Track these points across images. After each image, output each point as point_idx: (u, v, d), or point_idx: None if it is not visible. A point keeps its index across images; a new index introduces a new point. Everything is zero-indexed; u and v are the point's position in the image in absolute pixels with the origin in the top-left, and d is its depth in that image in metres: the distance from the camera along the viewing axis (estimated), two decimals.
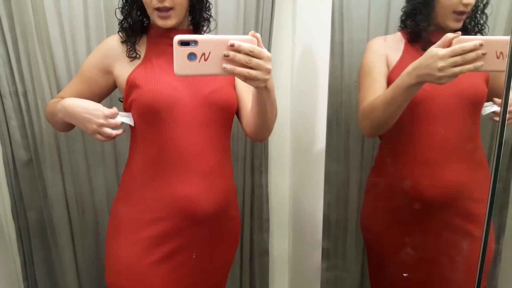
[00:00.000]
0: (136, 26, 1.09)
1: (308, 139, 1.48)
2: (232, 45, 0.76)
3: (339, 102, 1.54)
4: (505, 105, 0.71)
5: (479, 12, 1.16)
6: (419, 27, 1.18)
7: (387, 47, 1.23)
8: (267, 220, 1.67)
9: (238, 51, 0.77)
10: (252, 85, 0.83)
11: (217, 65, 0.77)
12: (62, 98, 1.10)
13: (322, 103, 1.41)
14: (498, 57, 0.87)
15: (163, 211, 1.04)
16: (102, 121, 0.99)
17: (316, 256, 1.52)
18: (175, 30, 1.08)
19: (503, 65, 0.84)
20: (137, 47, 1.09)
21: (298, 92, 1.52)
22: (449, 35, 0.90)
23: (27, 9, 1.31)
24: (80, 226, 1.52)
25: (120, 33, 1.11)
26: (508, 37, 0.80)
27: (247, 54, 0.77)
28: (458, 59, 0.88)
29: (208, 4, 1.14)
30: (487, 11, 1.17)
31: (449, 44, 0.90)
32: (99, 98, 1.14)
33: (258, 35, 0.79)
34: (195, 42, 0.75)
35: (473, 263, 1.05)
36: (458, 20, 1.11)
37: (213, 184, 1.07)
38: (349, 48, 1.50)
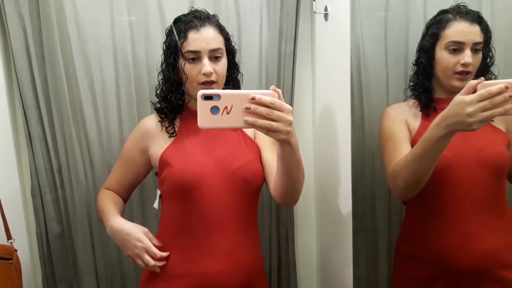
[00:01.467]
0: (175, 105, 1.15)
1: (333, 204, 1.47)
2: (253, 98, 0.79)
3: (363, 164, 1.54)
4: None
5: (484, 71, 1.16)
6: (425, 95, 1.21)
7: (406, 113, 1.24)
8: (294, 265, 1.65)
9: (260, 104, 0.79)
10: (274, 138, 0.84)
11: (239, 118, 0.79)
12: (110, 187, 1.24)
13: (345, 167, 1.41)
14: None
15: (187, 286, 1.07)
16: (142, 252, 1.07)
17: None
18: None
19: None
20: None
21: (320, 155, 1.53)
22: (472, 82, 0.89)
23: (63, 91, 1.40)
24: None
25: (157, 111, 1.18)
26: None
27: (268, 107, 0.80)
28: (486, 103, 0.85)
29: (239, 82, 1.22)
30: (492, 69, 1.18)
31: (473, 91, 0.89)
32: (142, 177, 1.25)
33: (279, 90, 0.82)
34: (218, 96, 0.78)
35: None
36: (462, 80, 1.12)
37: (238, 260, 1.08)
38: (369, 113, 1.53)
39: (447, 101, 0.98)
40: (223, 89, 1.14)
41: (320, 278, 1.64)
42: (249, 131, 1.19)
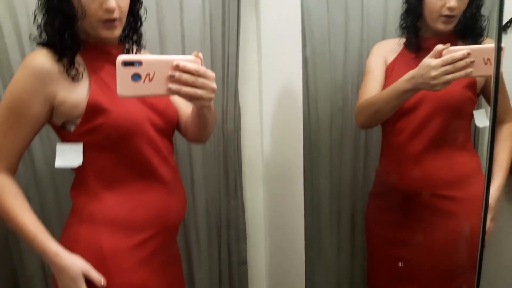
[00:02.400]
0: (75, 40, 0.95)
1: (283, 154, 1.53)
2: (177, 66, 0.78)
3: (310, 111, 1.62)
4: (494, 107, 0.81)
5: (472, 14, 1.25)
6: (411, 34, 1.30)
7: (387, 49, 1.36)
8: (244, 230, 1.70)
9: (184, 71, 0.79)
10: (196, 104, 0.87)
11: (162, 85, 0.79)
12: (2, 160, 0.96)
13: (297, 114, 1.46)
14: (486, 63, 0.98)
15: (150, 228, 1.04)
16: None
17: (297, 259, 1.58)
18: (109, 45, 1.02)
19: (490, 70, 0.97)
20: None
21: (270, 104, 1.55)
22: (439, 47, 1.00)
23: None
24: None
25: (49, 49, 0.95)
26: (492, 45, 0.88)
27: (193, 75, 0.80)
28: (449, 67, 0.98)
29: (141, 19, 1.10)
30: (483, 12, 1.26)
31: (440, 54, 1.00)
32: (36, 134, 1.00)
33: (201, 55, 0.82)
34: (140, 63, 0.76)
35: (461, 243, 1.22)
36: (447, 23, 1.21)
37: (181, 192, 1.14)
38: (312, 60, 1.59)
39: (432, 40, 1.14)
40: (125, 26, 1.03)
41: (268, 219, 1.72)
42: None
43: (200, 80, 0.81)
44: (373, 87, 1.30)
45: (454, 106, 1.23)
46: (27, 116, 0.94)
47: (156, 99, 1.05)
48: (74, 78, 0.95)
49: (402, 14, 1.33)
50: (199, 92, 0.81)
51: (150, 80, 0.77)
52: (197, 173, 1.56)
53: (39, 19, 0.96)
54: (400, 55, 1.32)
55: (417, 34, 1.29)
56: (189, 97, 0.82)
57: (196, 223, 1.60)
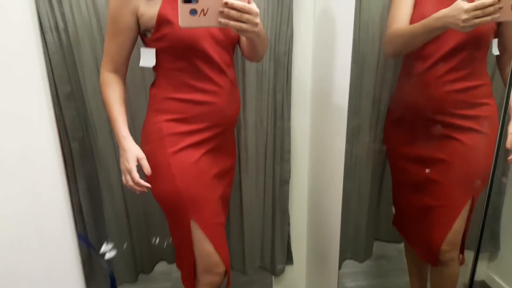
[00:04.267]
0: None
1: (331, 81, 1.57)
2: (226, 3, 0.93)
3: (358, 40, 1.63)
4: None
5: None
6: None
7: None
8: (289, 151, 1.80)
9: (231, 8, 0.94)
10: (242, 35, 1.07)
11: (214, 19, 0.95)
12: (110, 67, 1.23)
13: (347, 40, 1.48)
14: None
15: (204, 122, 1.26)
16: (125, 172, 1.21)
17: (335, 185, 1.65)
18: None
19: None
20: None
21: (320, 31, 1.58)
22: None
23: None
24: None
25: None
26: None
27: (239, 11, 0.95)
28: (479, 12, 1.07)
29: None
30: None
31: None
32: (135, 41, 1.24)
33: None
34: (196, 1, 0.92)
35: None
36: None
37: (235, 96, 1.32)
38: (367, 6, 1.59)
39: None
40: None
41: (312, 145, 1.80)
42: None
43: (245, 16, 0.96)
44: (402, 16, 1.37)
45: (483, 37, 1.29)
46: (122, 25, 1.19)
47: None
48: None
49: None
50: (243, 26, 0.97)
51: (204, 14, 0.93)
52: (249, 92, 1.67)
53: None
54: None
55: None
56: (236, 29, 0.98)
57: (245, 139, 1.73)
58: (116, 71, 1.25)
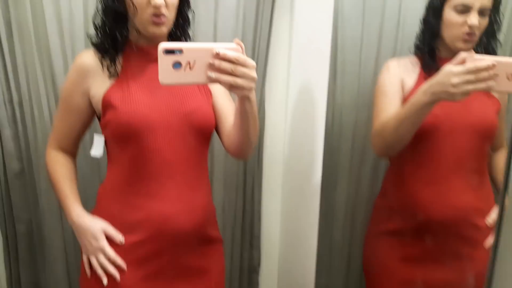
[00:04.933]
0: (119, 40, 1.01)
1: (303, 164, 1.49)
2: (217, 54, 0.77)
3: (334, 120, 1.57)
4: None
5: (490, 36, 1.19)
6: (428, 55, 1.22)
7: (403, 70, 1.25)
8: (258, 237, 1.67)
9: (224, 59, 0.77)
10: (237, 94, 0.84)
11: (202, 73, 0.77)
12: (57, 143, 1.09)
13: (320, 120, 1.42)
14: (509, 79, 0.90)
15: (141, 233, 1.01)
16: (96, 252, 1.00)
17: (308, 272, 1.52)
18: (154, 46, 0.98)
19: None
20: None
21: (294, 110, 1.53)
22: (463, 54, 0.93)
23: (26, 18, 1.30)
24: (73, 237, 1.47)
25: (95, 48, 1.03)
26: None
27: (233, 63, 0.78)
28: (471, 77, 0.90)
29: (189, 20, 1.11)
30: (499, 37, 1.20)
31: (463, 62, 0.93)
32: (88, 123, 1.10)
33: (242, 43, 0.79)
34: (180, 51, 0.75)
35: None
36: (466, 42, 1.14)
37: (191, 204, 1.04)
38: (341, 69, 1.54)
39: (448, 59, 1.01)
40: (173, 27, 1.05)
41: (283, 230, 1.67)
42: None
43: (240, 69, 0.78)
44: (389, 110, 1.18)
45: (489, 131, 1.17)
46: (72, 105, 1.05)
47: (186, 100, 1.03)
48: (111, 76, 1.02)
49: (418, 34, 1.27)
50: (238, 80, 0.79)
51: (190, 68, 0.76)
52: (217, 171, 1.55)
53: (96, 18, 1.02)
54: (420, 77, 1.23)
55: (434, 55, 1.22)
56: (229, 86, 0.80)
57: None
58: (64, 150, 1.11)
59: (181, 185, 1.03)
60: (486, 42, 1.20)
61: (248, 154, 1.07)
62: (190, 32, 1.13)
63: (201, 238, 1.07)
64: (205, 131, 1.06)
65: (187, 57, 0.76)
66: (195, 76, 0.77)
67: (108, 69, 1.01)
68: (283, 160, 1.62)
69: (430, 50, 1.22)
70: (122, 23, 1.00)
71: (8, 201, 1.42)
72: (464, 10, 1.13)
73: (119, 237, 1.00)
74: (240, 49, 0.79)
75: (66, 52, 1.36)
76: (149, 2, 0.94)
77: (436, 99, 0.98)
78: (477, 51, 1.20)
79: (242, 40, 1.45)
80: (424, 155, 1.19)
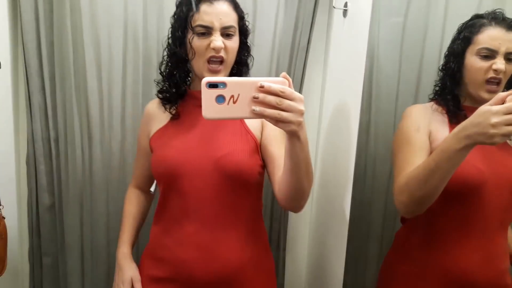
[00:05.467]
0: (179, 85, 1.08)
1: (332, 206, 1.44)
2: (261, 87, 0.73)
3: (364, 168, 1.51)
4: None
5: None
6: (453, 102, 1.13)
7: (430, 118, 1.14)
8: (282, 285, 1.62)
9: (269, 92, 0.73)
10: (284, 129, 0.77)
11: (246, 107, 0.74)
12: (136, 180, 1.25)
13: (348, 169, 1.38)
14: None
15: (163, 270, 1.07)
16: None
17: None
18: None
19: None
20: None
21: (324, 154, 1.50)
22: (502, 93, 0.85)
23: (68, 60, 1.36)
24: (92, 278, 1.49)
25: (158, 92, 1.12)
26: None
27: (278, 96, 0.74)
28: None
29: (248, 65, 1.13)
30: None
31: (501, 102, 0.84)
32: None
33: (289, 77, 0.75)
34: (224, 84, 0.73)
35: None
36: (491, 91, 1.06)
37: (214, 255, 1.02)
38: (375, 117, 1.49)
39: (475, 110, 0.90)
40: (231, 71, 1.08)
41: (307, 279, 1.61)
42: (255, 122, 1.09)
43: (286, 102, 0.73)
44: (415, 163, 1.05)
45: None
46: (141, 147, 1.19)
47: (220, 145, 1.03)
48: (173, 117, 1.10)
49: (437, 81, 1.19)
50: (284, 114, 0.73)
51: (234, 102, 0.74)
52: None
53: (162, 66, 1.11)
54: (451, 127, 1.12)
55: (458, 103, 1.13)
56: (275, 120, 0.74)
57: None
58: (140, 188, 1.26)
59: (206, 233, 1.01)
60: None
61: (300, 205, 0.97)
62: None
63: None
64: (237, 177, 1.01)
65: (231, 91, 0.73)
66: (239, 110, 0.74)
67: (169, 112, 1.10)
68: (311, 207, 1.58)
69: (454, 98, 1.13)
70: (182, 67, 1.07)
71: (38, 233, 1.46)
72: (489, 55, 1.06)
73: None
74: (287, 82, 0.75)
75: (103, 94, 1.41)
76: (208, 45, 0.99)
77: (471, 144, 0.87)
78: None
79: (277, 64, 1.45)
80: (467, 215, 1.07)
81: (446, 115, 1.14)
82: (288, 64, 1.47)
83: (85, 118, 1.41)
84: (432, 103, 1.19)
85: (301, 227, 1.66)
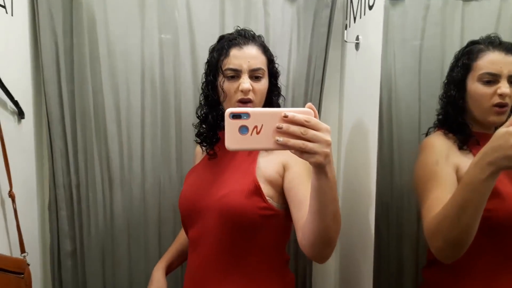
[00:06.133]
0: (213, 126, 1.12)
1: (356, 219, 1.40)
2: (285, 116, 0.71)
3: (390, 205, 1.46)
4: None
5: None
6: (462, 130, 1.08)
7: (451, 147, 1.08)
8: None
9: (293, 122, 0.71)
10: (309, 161, 0.72)
11: (270, 138, 0.72)
12: None
13: (370, 209, 1.34)
14: None
15: None
16: None
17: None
18: None
19: None
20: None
21: (343, 192, 1.47)
22: None
23: (89, 107, 1.40)
24: None
25: (196, 139, 1.17)
26: None
27: (303, 126, 0.71)
28: None
29: (278, 106, 1.14)
30: None
31: None
32: None
33: (314, 108, 0.72)
34: (247, 115, 0.72)
35: None
36: (500, 113, 1.03)
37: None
38: (399, 149, 1.45)
39: (485, 135, 0.88)
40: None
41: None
42: (274, 164, 1.04)
43: (312, 132, 0.70)
44: (445, 199, 0.94)
45: None
46: None
47: (223, 184, 1.03)
48: (210, 157, 1.14)
49: (438, 110, 1.16)
50: (309, 145, 0.70)
51: (258, 132, 0.73)
52: None
53: (199, 111, 1.15)
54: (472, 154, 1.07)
55: (469, 130, 1.08)
56: (299, 151, 0.71)
57: None
58: None
59: (205, 268, 1.03)
60: None
61: (325, 254, 0.89)
62: None
63: None
64: (233, 218, 0.99)
65: (255, 122, 0.72)
66: (263, 141, 0.73)
67: (206, 151, 1.15)
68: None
69: (462, 125, 1.09)
70: (216, 110, 1.10)
71: (59, 279, 1.45)
72: (492, 80, 1.03)
73: None
74: (312, 112, 0.72)
75: (122, 138, 1.43)
76: (237, 88, 1.02)
77: (495, 170, 0.81)
78: None
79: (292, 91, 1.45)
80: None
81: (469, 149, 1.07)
82: (303, 100, 1.47)
83: (105, 163, 1.42)
84: (439, 132, 1.14)
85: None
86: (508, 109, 1.04)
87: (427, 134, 1.20)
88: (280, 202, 1.03)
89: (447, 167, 1.05)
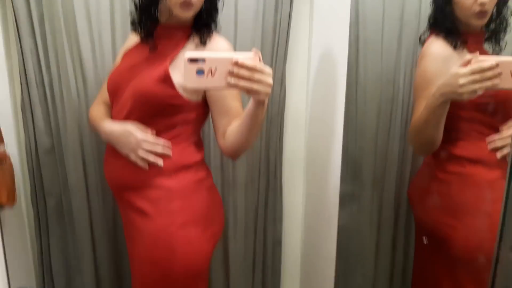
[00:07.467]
0: (151, 18, 1.12)
1: (324, 141, 1.51)
2: (236, 62, 0.86)
3: (355, 102, 1.57)
4: None
5: (505, 9, 1.22)
6: (451, 31, 1.21)
7: (448, 52, 1.20)
8: (281, 210, 1.72)
9: (242, 67, 0.86)
10: (254, 98, 0.92)
11: (222, 79, 0.87)
12: (100, 97, 1.28)
13: (340, 103, 1.43)
14: None
15: None
16: (137, 146, 1.08)
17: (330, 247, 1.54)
18: (179, 26, 1.12)
19: None
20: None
21: (314, 92, 1.54)
22: (468, 56, 1.01)
23: (56, 3, 1.38)
24: (99, 215, 1.56)
25: (131, 24, 1.18)
26: None
27: (250, 70, 0.86)
28: (477, 77, 0.98)
29: (217, 6, 1.15)
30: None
31: (468, 64, 1.00)
32: None
33: (259, 52, 0.88)
34: (203, 60, 0.86)
35: None
36: (481, 17, 1.17)
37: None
38: (363, 47, 1.53)
39: (472, 35, 1.15)
40: (200, 10, 1.10)
41: (305, 206, 1.70)
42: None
43: (257, 75, 0.87)
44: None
45: None
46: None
47: (140, 69, 1.10)
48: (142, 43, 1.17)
49: (430, 15, 1.29)
50: (255, 86, 0.87)
51: (212, 75, 0.86)
52: None
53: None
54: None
55: (458, 31, 1.22)
56: (246, 91, 0.88)
57: (235, 198, 1.64)
58: (105, 103, 1.26)
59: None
60: (496, 14, 1.23)
61: (240, 156, 1.14)
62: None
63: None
64: (144, 102, 1.08)
65: (209, 65, 0.86)
66: (216, 81, 0.88)
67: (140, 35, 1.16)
68: (304, 142, 1.64)
69: (451, 28, 1.22)
70: (154, 4, 1.10)
71: (39, 176, 1.51)
72: None
73: (148, 132, 1.10)
74: (258, 57, 0.88)
75: (93, 35, 1.43)
76: None
77: (446, 100, 1.07)
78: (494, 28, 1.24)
79: (262, 22, 1.49)
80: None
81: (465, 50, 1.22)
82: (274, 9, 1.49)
83: (77, 60, 1.43)
84: (433, 37, 1.25)
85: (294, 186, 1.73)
86: (488, 13, 1.18)
87: (420, 39, 1.33)
88: (194, 97, 1.10)
89: (441, 76, 1.14)
